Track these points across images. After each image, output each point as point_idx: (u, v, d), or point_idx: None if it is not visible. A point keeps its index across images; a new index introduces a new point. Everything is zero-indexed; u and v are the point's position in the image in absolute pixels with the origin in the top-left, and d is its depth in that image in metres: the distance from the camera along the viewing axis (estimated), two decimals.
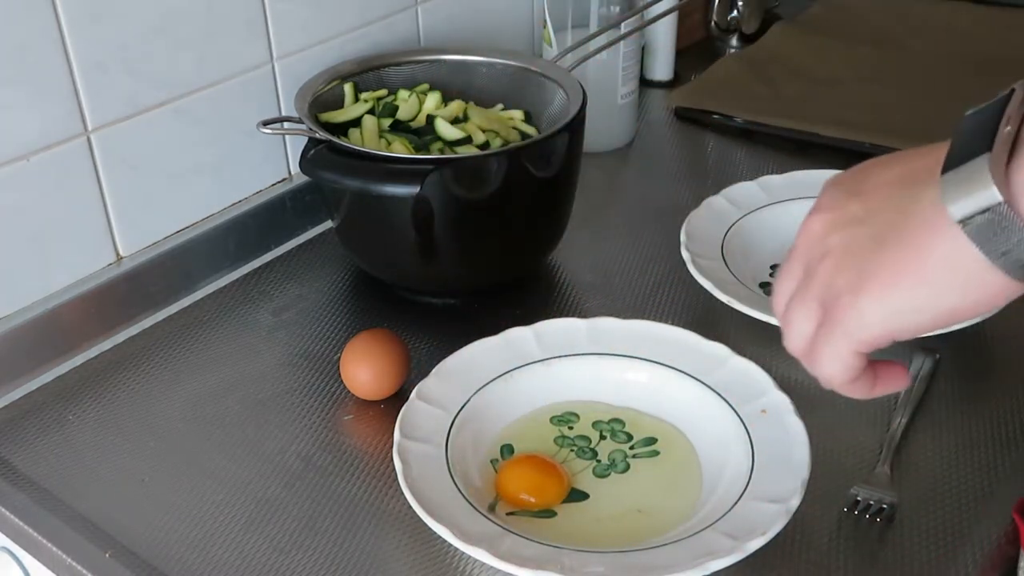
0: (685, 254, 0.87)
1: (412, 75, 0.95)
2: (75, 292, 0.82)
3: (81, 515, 0.69)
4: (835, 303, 0.43)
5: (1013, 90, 0.39)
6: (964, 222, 0.38)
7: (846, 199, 0.44)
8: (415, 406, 0.72)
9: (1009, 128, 0.37)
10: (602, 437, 0.73)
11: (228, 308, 0.89)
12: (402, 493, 0.66)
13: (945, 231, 0.38)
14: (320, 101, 0.89)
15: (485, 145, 0.87)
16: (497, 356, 0.77)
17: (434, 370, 0.75)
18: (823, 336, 0.44)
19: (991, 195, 0.37)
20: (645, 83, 1.24)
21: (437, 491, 0.66)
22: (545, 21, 1.08)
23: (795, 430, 0.68)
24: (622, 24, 1.05)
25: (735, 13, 1.34)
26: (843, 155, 1.08)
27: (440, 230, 0.84)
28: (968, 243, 0.38)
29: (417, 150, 0.86)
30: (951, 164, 0.38)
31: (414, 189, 0.77)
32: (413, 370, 0.79)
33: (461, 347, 0.77)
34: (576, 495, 0.69)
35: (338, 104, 0.91)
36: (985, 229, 0.37)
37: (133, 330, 0.86)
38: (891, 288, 0.41)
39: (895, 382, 0.48)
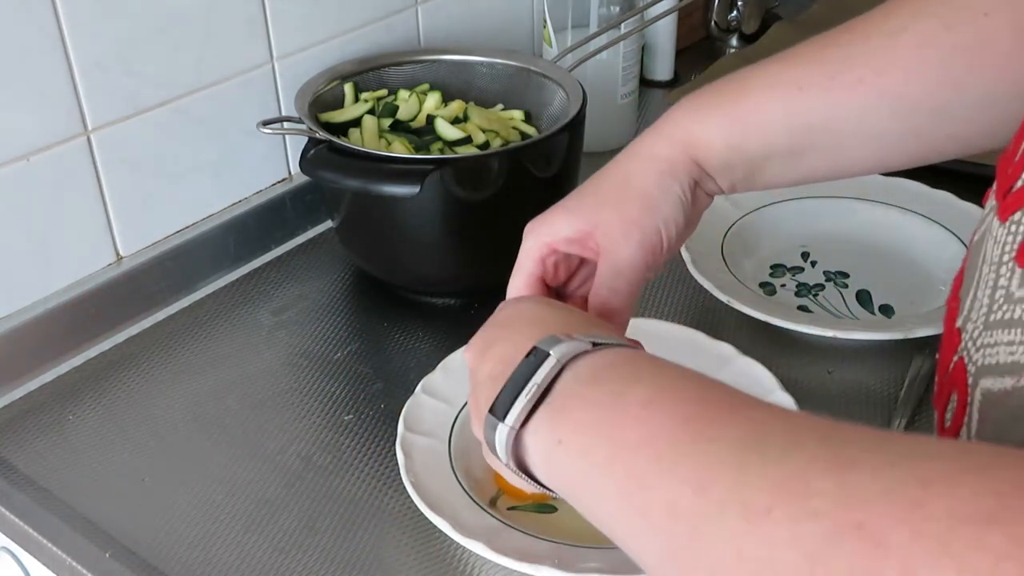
0: (685, 254, 0.87)
1: (412, 75, 0.95)
2: (75, 292, 0.82)
3: (81, 515, 0.69)
4: (477, 436, 0.52)
5: (548, 353, 0.45)
6: (490, 447, 0.47)
7: (480, 359, 0.52)
8: (420, 400, 0.72)
9: (527, 400, 0.44)
10: None
11: (228, 308, 0.89)
12: (402, 492, 0.66)
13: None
14: (320, 101, 0.89)
15: (485, 145, 0.87)
16: None
17: (440, 364, 0.75)
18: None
19: (503, 455, 0.46)
20: (645, 83, 1.24)
21: (438, 485, 0.66)
22: (545, 21, 1.08)
23: None
24: (622, 24, 1.05)
25: (735, 13, 1.34)
26: None
27: (440, 230, 0.84)
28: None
29: (417, 150, 0.86)
30: (493, 406, 0.46)
31: (414, 189, 0.77)
32: (414, 370, 0.79)
33: (461, 348, 0.77)
34: None
35: (338, 104, 0.91)
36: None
37: (133, 330, 0.86)
38: (495, 463, 0.50)
39: None
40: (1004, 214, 0.42)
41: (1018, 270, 0.39)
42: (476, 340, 0.54)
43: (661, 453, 0.38)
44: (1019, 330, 0.38)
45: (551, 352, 0.45)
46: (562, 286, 0.63)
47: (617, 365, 0.44)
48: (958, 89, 0.55)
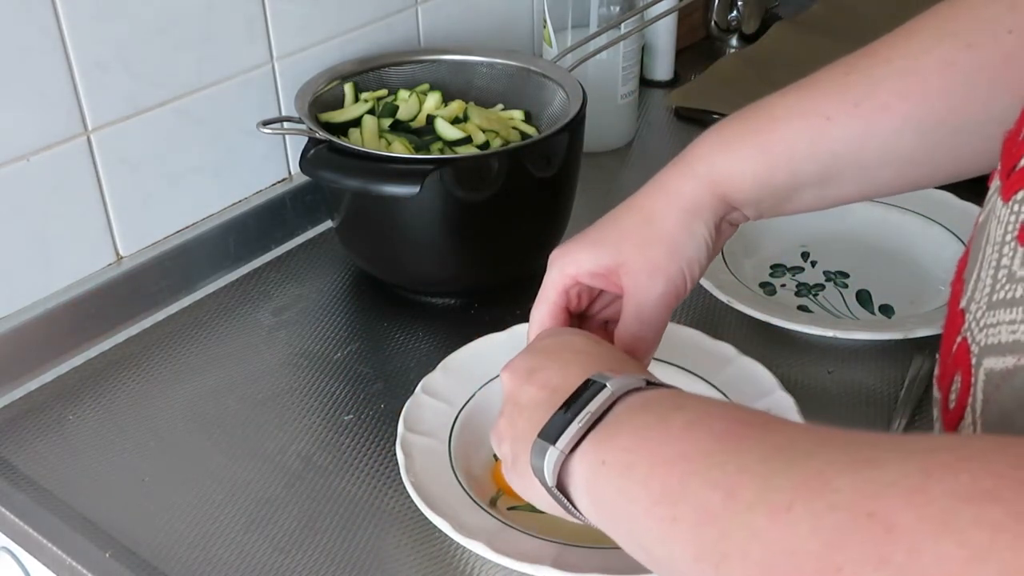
0: None
1: (412, 75, 0.95)
2: (75, 292, 0.82)
3: (81, 515, 0.69)
4: (501, 455, 0.55)
5: (604, 385, 0.47)
6: (535, 471, 0.49)
7: (521, 383, 0.54)
8: (420, 400, 0.72)
9: (580, 426, 0.46)
10: None
11: (228, 308, 0.89)
12: (402, 492, 0.66)
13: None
14: (320, 101, 0.89)
15: (485, 145, 0.87)
16: (503, 351, 0.76)
17: (440, 364, 0.75)
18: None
19: (550, 478, 0.47)
20: (645, 83, 1.24)
21: (438, 485, 0.66)
22: (545, 21, 1.08)
23: None
24: (622, 24, 1.05)
25: (735, 13, 1.34)
26: None
27: (440, 230, 0.84)
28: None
29: (417, 150, 0.86)
30: (544, 431, 0.48)
31: (414, 189, 0.77)
32: (414, 370, 0.79)
33: (461, 348, 0.77)
34: None
35: (338, 104, 0.91)
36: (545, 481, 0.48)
37: (133, 330, 0.86)
38: (523, 485, 0.53)
39: None
40: (1007, 194, 0.42)
41: (1020, 249, 0.39)
42: (518, 363, 0.55)
43: (695, 465, 0.40)
44: (1021, 309, 0.39)
45: (607, 384, 0.47)
46: (583, 311, 0.64)
47: (664, 399, 0.46)
48: (983, 107, 0.54)
